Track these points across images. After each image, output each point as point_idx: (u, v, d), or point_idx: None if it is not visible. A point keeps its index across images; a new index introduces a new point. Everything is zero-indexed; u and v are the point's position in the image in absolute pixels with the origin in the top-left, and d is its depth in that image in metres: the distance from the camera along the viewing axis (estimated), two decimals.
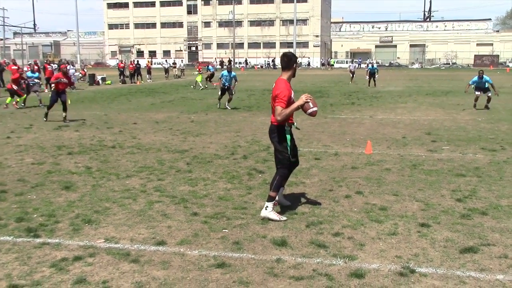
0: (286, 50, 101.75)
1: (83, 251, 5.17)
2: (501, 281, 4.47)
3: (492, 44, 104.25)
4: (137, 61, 46.61)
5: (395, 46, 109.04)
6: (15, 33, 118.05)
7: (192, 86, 33.37)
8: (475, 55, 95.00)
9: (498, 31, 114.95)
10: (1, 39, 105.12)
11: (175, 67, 51.06)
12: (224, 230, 5.80)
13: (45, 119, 15.81)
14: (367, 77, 34.51)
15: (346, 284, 4.42)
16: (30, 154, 10.42)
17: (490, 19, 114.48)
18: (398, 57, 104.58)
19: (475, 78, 19.22)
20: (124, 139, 12.39)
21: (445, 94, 26.73)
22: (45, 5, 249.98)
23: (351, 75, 39.77)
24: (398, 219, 6.19)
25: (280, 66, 6.46)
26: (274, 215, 6.16)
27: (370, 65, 37.65)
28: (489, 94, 18.91)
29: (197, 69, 37.30)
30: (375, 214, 6.39)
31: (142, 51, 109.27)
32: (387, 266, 4.79)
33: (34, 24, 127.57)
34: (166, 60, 58.54)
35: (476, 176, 8.41)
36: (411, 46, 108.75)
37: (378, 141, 11.86)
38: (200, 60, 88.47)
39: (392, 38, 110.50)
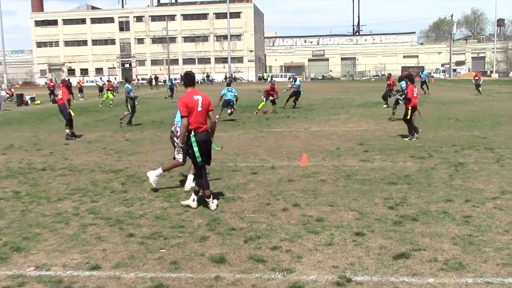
0: (221, 65, 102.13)
1: (11, 281, 4.91)
2: (432, 284, 4.65)
3: (417, 56, 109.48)
4: (68, 79, 45.29)
5: (327, 59, 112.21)
6: None
7: (100, 104, 32.66)
8: (402, 67, 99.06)
9: (422, 43, 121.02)
10: None
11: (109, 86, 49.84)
12: (161, 250, 5.70)
13: None
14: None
15: None
16: None
17: (414, 33, 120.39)
18: (330, 70, 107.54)
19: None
20: (55, 160, 11.95)
21: (375, 105, 27.67)
22: None
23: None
24: (334, 229, 6.31)
25: (217, 81, 6.99)
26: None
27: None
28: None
29: (107, 87, 36.54)
30: (312, 225, 6.49)
31: (74, 69, 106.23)
32: (325, 277, 4.86)
33: None
34: (100, 78, 57.23)
35: (407, 184, 8.74)
36: (342, 59, 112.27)
37: (313, 153, 12.08)
38: (134, 76, 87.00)
39: (324, 52, 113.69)
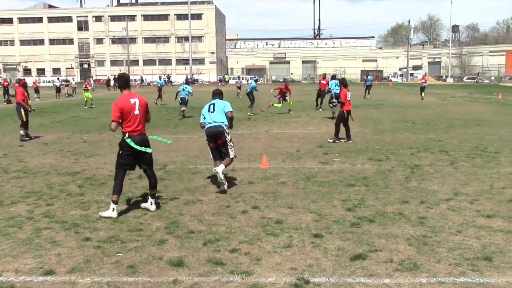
0: (182, 67, 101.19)
1: None
2: (388, 285, 4.74)
3: (376, 60, 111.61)
4: (24, 79, 44.14)
5: (288, 62, 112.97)
6: None
7: (85, 106, 31.95)
8: (361, 71, 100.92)
9: (381, 48, 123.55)
10: None
11: (67, 85, 48.80)
12: (118, 254, 5.60)
13: None
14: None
15: None
16: None
17: (373, 37, 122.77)
18: (291, 73, 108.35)
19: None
20: (9, 163, 11.59)
21: None
22: None
23: (238, 90, 43.48)
24: (293, 231, 6.36)
25: (177, 83, 6.85)
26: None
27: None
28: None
29: (84, 86, 35.80)
30: (271, 227, 6.51)
31: (30, 69, 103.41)
32: (283, 279, 4.89)
33: None
34: (58, 78, 55.84)
35: (364, 186, 8.89)
36: (303, 62, 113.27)
37: (273, 155, 12.14)
38: (94, 77, 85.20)
39: (285, 55, 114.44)
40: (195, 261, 5.37)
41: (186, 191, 8.56)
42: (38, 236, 6.26)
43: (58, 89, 45.58)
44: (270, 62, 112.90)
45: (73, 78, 59.25)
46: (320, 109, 26.26)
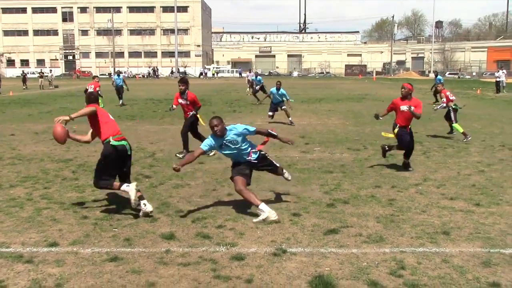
0: (168, 59, 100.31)
1: None
2: (355, 254, 5.39)
3: (360, 55, 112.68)
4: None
5: (274, 56, 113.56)
6: None
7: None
8: (346, 65, 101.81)
9: (365, 42, 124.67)
10: None
11: (41, 77, 47.67)
12: (114, 229, 6.18)
13: None
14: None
15: (228, 266, 5.06)
16: None
17: (358, 32, 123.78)
18: (277, 67, 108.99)
19: (273, 89, 18.41)
20: (3, 150, 12.05)
21: (318, 101, 28.74)
22: None
23: (251, 88, 35.12)
24: (274, 211, 6.96)
25: (162, 76, 7.12)
26: None
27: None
28: (284, 107, 18.19)
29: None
30: (254, 208, 7.10)
31: (13, 60, 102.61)
32: (264, 249, 5.51)
33: None
34: (23, 71, 55.46)
35: (342, 172, 9.54)
36: (288, 56, 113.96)
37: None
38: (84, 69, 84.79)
39: (271, 48, 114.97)
40: (185, 235, 5.96)
41: (174, 177, 9.12)
42: (39, 215, 6.80)
43: (24, 80, 45.92)
44: (256, 56, 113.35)
45: (50, 70, 58.20)
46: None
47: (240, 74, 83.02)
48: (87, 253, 5.40)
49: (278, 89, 17.87)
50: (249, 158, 7.04)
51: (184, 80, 11.54)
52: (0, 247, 5.57)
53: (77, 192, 8.07)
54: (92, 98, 7.28)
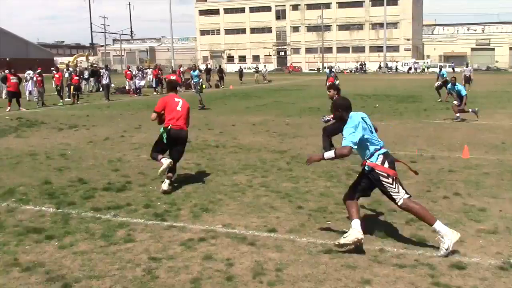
0: (376, 54, 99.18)
1: (205, 234, 5.90)
2: None
3: None
4: (219, 65, 49.75)
5: (493, 49, 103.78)
6: (114, 40, 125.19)
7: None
8: None
9: None
10: (103, 46, 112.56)
11: (257, 72, 51.78)
12: (328, 222, 6.32)
13: None
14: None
15: (448, 273, 4.78)
16: (144, 151, 11.47)
17: None
18: (496, 61, 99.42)
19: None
20: (226, 139, 13.25)
21: None
22: (141, 12, 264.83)
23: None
24: (498, 219, 6.38)
25: (370, 71, 7.11)
26: None
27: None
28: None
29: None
30: (474, 214, 6.61)
31: (232, 56, 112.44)
32: (488, 261, 5.07)
33: (131, 31, 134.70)
34: (240, 66, 60.65)
35: None
36: (511, 49, 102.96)
37: (475, 146, 11.79)
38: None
39: (489, 41, 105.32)
40: (399, 236, 5.81)
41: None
42: (258, 201, 7.31)
43: (241, 75, 49.92)
44: (472, 49, 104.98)
45: (265, 66, 62.49)
46: None
47: (453, 69, 77.82)
48: (303, 242, 5.62)
49: (453, 84, 17.96)
50: None
51: (333, 86, 11.41)
52: (226, 228, 6.14)
53: (291, 182, 8.47)
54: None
